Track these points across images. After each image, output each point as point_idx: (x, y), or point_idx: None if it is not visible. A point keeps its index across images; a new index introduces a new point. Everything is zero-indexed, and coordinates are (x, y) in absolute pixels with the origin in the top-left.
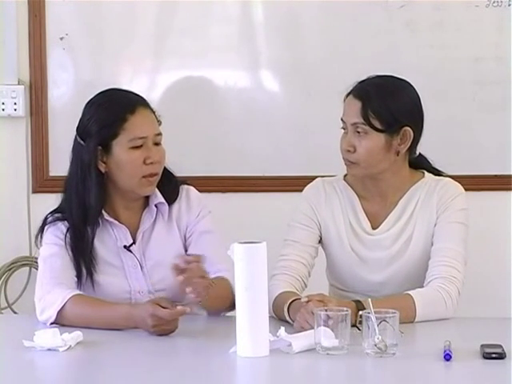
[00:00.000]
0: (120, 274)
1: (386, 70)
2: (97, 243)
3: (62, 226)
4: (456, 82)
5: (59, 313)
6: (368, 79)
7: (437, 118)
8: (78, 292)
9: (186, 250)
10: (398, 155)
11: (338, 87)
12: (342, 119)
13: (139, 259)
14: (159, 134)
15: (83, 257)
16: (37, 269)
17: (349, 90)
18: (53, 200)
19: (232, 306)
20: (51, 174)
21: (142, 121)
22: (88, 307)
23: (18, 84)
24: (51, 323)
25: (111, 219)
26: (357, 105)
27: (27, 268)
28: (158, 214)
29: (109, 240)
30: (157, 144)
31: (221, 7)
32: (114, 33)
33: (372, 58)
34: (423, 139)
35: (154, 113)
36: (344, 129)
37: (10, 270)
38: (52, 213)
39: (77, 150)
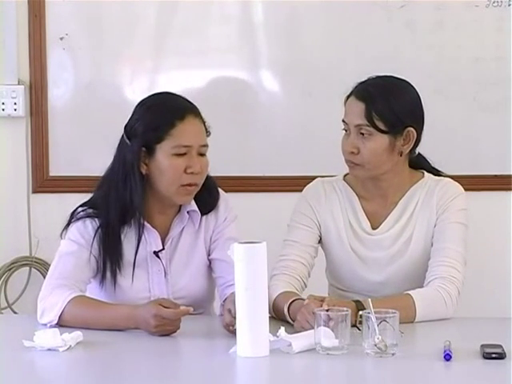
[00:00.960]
0: (143, 278)
1: (386, 70)
2: (125, 245)
3: (90, 225)
4: (456, 82)
5: (60, 316)
6: (369, 80)
7: (437, 118)
8: (78, 294)
9: (209, 255)
10: (401, 155)
11: (338, 87)
12: (343, 120)
13: (165, 265)
14: (205, 146)
15: (111, 257)
16: (37, 269)
17: (349, 91)
18: (53, 200)
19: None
20: (51, 174)
21: (189, 129)
22: (88, 309)
23: (18, 84)
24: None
25: (144, 222)
26: (360, 106)
27: (27, 268)
28: (188, 221)
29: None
30: (201, 155)
31: (221, 7)
32: (114, 33)
33: (372, 58)
34: (423, 139)
35: (204, 123)
36: (346, 130)
37: (9, 270)
38: (83, 206)
39: (121, 148)
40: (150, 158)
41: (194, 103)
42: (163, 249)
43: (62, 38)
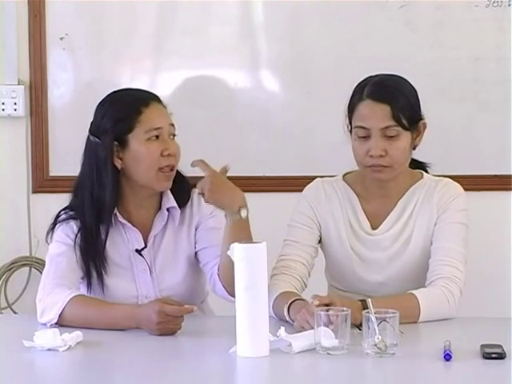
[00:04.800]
0: (128, 278)
1: (386, 70)
2: (108, 245)
3: (74, 226)
4: (456, 82)
5: (60, 315)
6: (373, 79)
7: (437, 118)
8: (78, 293)
9: (194, 248)
10: (414, 149)
11: (338, 87)
12: (360, 126)
13: (149, 263)
14: (173, 125)
15: (93, 258)
16: (37, 269)
17: (354, 95)
18: (53, 200)
19: None
20: (51, 174)
21: (156, 112)
22: (88, 308)
23: (18, 84)
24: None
25: (124, 221)
26: (384, 109)
27: (27, 268)
28: (169, 218)
29: (120, 242)
30: (172, 137)
31: (221, 7)
32: (114, 33)
33: (372, 57)
34: (423, 139)
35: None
36: (363, 136)
37: (9, 270)
38: (65, 210)
39: (91, 148)
40: (123, 150)
41: (194, 103)
42: (145, 247)
43: (62, 38)
